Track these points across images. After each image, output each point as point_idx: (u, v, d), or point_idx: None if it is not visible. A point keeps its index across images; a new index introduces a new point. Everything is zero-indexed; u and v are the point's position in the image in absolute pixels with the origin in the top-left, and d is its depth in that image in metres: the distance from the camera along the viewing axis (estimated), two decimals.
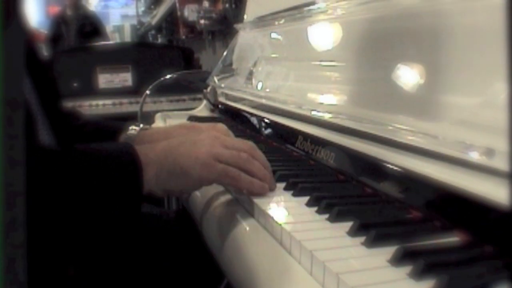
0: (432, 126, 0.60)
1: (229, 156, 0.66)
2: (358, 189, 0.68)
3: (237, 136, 0.78)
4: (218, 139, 0.69)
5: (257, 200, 0.64)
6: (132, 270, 0.90)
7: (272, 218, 0.58)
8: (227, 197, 0.74)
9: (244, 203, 0.68)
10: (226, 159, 0.65)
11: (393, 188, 0.63)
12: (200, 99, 2.36)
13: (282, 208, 0.63)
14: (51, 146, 0.73)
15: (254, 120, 1.21)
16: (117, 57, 2.50)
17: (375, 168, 0.67)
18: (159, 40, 5.53)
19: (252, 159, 0.68)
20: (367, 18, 0.91)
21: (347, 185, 0.71)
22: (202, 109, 1.67)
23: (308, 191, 0.66)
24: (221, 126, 0.86)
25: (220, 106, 1.55)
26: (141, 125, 0.91)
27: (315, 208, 0.61)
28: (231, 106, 1.42)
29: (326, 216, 0.58)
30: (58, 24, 4.36)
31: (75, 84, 2.37)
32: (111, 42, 2.53)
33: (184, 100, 2.33)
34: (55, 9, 4.67)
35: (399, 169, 0.62)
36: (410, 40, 0.76)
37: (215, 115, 1.56)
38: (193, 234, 0.86)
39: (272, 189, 0.68)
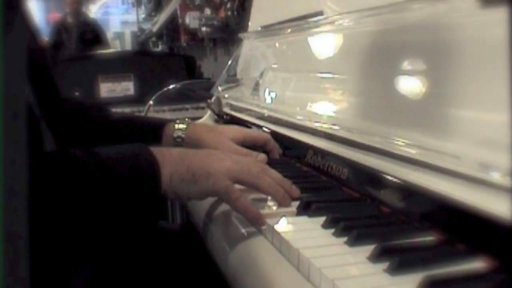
0: (453, 145, 0.58)
1: (238, 171, 0.67)
2: (373, 208, 0.66)
3: None
4: (232, 156, 0.70)
5: (270, 220, 0.63)
6: (137, 283, 0.90)
7: (288, 242, 0.55)
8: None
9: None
10: (235, 175, 0.66)
11: (413, 208, 0.61)
12: (203, 108, 2.34)
13: (297, 230, 0.61)
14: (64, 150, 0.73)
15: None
16: (119, 65, 2.48)
17: (391, 186, 0.65)
18: (160, 47, 5.52)
19: (264, 175, 0.68)
20: (375, 30, 0.89)
21: (362, 204, 0.69)
22: (206, 119, 1.64)
23: (324, 211, 0.64)
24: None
25: (225, 116, 1.53)
26: (186, 119, 0.96)
27: (332, 231, 0.58)
28: (236, 117, 1.40)
29: (344, 239, 0.55)
30: (59, 31, 4.35)
31: (76, 93, 2.34)
32: (112, 50, 2.51)
33: (187, 109, 2.31)
34: (56, 16, 4.66)
35: (420, 189, 0.59)
36: (428, 54, 0.74)
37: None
38: (198, 247, 0.85)
39: (285, 205, 0.68)
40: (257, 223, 0.64)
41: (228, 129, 0.97)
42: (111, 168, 0.63)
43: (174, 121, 0.97)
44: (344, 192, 0.74)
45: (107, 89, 2.41)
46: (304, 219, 0.64)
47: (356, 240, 0.54)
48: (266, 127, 1.15)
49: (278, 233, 0.59)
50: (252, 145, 0.95)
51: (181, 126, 0.95)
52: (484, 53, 0.61)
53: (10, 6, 0.32)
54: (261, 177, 0.67)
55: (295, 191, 0.70)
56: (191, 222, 0.97)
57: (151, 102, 1.94)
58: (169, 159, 0.66)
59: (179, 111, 2.28)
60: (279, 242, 0.58)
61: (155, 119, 1.01)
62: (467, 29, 0.65)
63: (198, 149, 0.72)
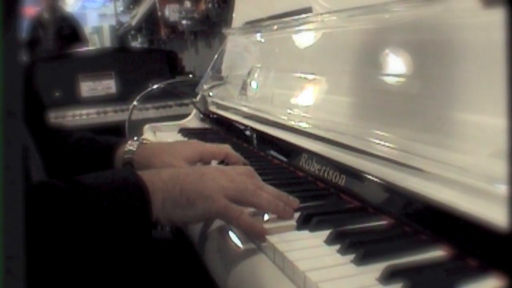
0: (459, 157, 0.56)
1: (234, 189, 0.64)
2: (377, 218, 0.64)
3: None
4: (224, 172, 0.67)
5: (270, 237, 0.60)
6: None
7: (292, 263, 0.53)
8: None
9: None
10: (232, 194, 0.63)
11: (419, 219, 0.58)
12: (187, 105, 2.30)
13: (299, 248, 0.58)
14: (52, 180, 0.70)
15: (248, 132, 1.16)
16: (99, 63, 2.41)
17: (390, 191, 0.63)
18: (139, 40, 5.43)
19: (260, 192, 0.65)
20: (366, 28, 0.86)
21: (364, 214, 0.67)
22: (192, 118, 1.61)
23: (326, 224, 0.61)
24: (225, 145, 0.90)
25: (211, 115, 1.50)
26: (140, 139, 0.92)
27: (337, 247, 0.56)
28: (223, 117, 1.37)
29: (351, 257, 0.53)
30: (35, 27, 4.24)
31: (56, 94, 2.28)
32: (92, 48, 2.43)
33: (170, 106, 2.26)
34: (32, 11, 4.53)
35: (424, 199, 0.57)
36: (419, 54, 0.72)
37: (207, 125, 1.50)
38: (190, 255, 0.83)
39: (288, 217, 0.65)
40: (261, 239, 0.61)
41: (182, 148, 0.89)
42: (98, 201, 0.59)
43: (127, 141, 0.91)
44: (342, 200, 0.72)
45: (88, 88, 2.34)
46: (306, 234, 0.62)
47: (363, 259, 0.52)
48: (254, 127, 1.13)
49: (283, 256, 0.56)
50: (212, 160, 0.90)
51: (131, 148, 0.88)
52: (478, 55, 0.60)
53: (9, 5, 0.32)
54: (258, 195, 0.64)
55: (294, 202, 0.68)
56: (182, 230, 0.95)
57: (135, 103, 1.89)
58: (159, 185, 0.62)
59: (162, 108, 2.23)
60: (282, 261, 0.55)
61: (111, 139, 0.94)
62: (461, 29, 0.64)
63: (190, 168, 0.69)
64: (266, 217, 0.65)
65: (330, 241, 0.57)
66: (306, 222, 0.63)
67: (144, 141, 0.91)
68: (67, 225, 0.56)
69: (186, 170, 0.67)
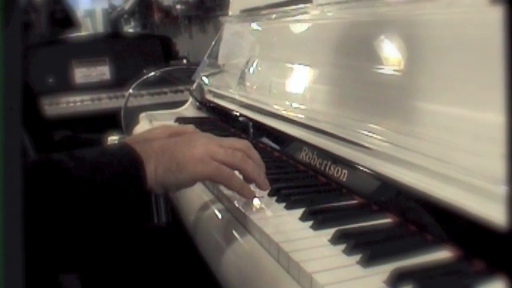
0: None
1: (224, 155, 0.67)
2: (380, 216, 0.63)
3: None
4: (213, 139, 0.70)
5: (253, 217, 0.65)
6: (128, 283, 0.90)
7: (269, 236, 0.58)
8: (219, 206, 0.76)
9: (237, 215, 0.69)
10: (221, 158, 0.66)
11: (422, 218, 0.58)
12: (182, 92, 2.28)
13: (278, 225, 0.62)
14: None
15: (245, 123, 1.15)
16: (93, 49, 2.37)
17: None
18: (132, 24, 5.36)
19: (247, 158, 0.69)
20: (365, 21, 0.85)
21: (366, 211, 0.66)
22: (188, 107, 1.59)
23: (330, 222, 0.61)
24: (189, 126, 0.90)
25: (207, 104, 1.48)
26: (119, 136, 0.98)
27: (342, 247, 0.55)
28: (220, 105, 1.36)
29: (357, 258, 0.52)
30: (27, 11, 4.18)
31: (50, 80, 2.24)
32: (85, 33, 2.39)
33: (166, 93, 2.24)
34: None
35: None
36: (418, 49, 0.71)
37: (203, 114, 1.49)
38: (186, 245, 0.85)
39: (265, 189, 0.70)
40: (253, 195, 0.68)
41: (151, 134, 0.90)
42: (95, 171, 0.62)
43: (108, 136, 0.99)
44: (344, 196, 0.71)
45: (82, 74, 2.31)
46: (283, 211, 0.67)
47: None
48: (252, 117, 1.11)
49: (261, 230, 0.61)
50: None
51: (114, 138, 0.97)
52: (478, 51, 0.60)
53: (8, 6, 0.33)
54: (245, 161, 0.68)
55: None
56: (178, 220, 0.95)
57: (130, 91, 1.87)
58: (150, 153, 0.64)
59: (158, 95, 2.21)
60: (287, 262, 0.55)
61: (92, 137, 1.02)
62: (459, 25, 0.64)
63: (179, 138, 0.71)
64: (256, 201, 0.70)
65: (335, 240, 0.57)
66: (310, 219, 0.62)
67: (123, 136, 0.98)
68: (65, 197, 0.58)
69: (175, 139, 0.69)
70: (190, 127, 0.93)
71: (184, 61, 3.10)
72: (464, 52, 0.62)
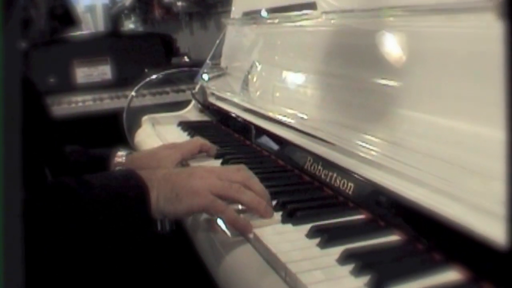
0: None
1: (220, 187, 0.69)
2: (387, 233, 0.63)
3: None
4: (214, 172, 0.73)
5: (259, 233, 0.65)
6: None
7: (276, 255, 0.58)
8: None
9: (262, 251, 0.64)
10: (217, 191, 0.69)
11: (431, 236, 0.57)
12: (184, 91, 2.27)
13: (284, 243, 0.62)
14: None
15: (249, 128, 1.14)
16: (94, 48, 2.36)
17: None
18: (132, 19, 5.34)
19: (245, 189, 0.70)
20: (367, 30, 0.85)
21: (373, 227, 0.66)
22: (191, 109, 1.59)
23: (337, 241, 0.61)
24: (196, 138, 1.05)
25: (210, 107, 1.48)
26: (126, 151, 1.00)
27: (350, 268, 0.55)
28: (223, 109, 1.35)
29: (365, 279, 0.52)
30: (26, 7, 4.16)
31: (51, 80, 2.24)
32: (86, 32, 2.38)
33: (167, 93, 2.23)
34: None
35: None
36: (425, 61, 0.70)
37: (206, 117, 1.48)
38: (189, 254, 0.84)
39: (268, 217, 0.70)
40: (246, 232, 0.67)
41: (164, 154, 0.99)
42: (104, 200, 0.66)
43: (116, 151, 1.00)
44: (350, 209, 0.71)
45: (83, 74, 2.30)
46: (289, 227, 0.67)
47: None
48: (255, 123, 1.11)
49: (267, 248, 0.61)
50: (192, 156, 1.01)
51: (119, 160, 0.98)
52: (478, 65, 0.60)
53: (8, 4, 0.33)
54: (242, 192, 0.70)
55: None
56: (182, 228, 0.94)
57: (133, 93, 1.86)
58: (155, 182, 0.69)
59: (159, 95, 2.20)
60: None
61: (102, 152, 1.03)
62: (457, 39, 0.65)
63: (182, 169, 0.77)
64: (239, 206, 0.71)
65: (342, 260, 0.56)
66: (317, 236, 0.62)
67: (129, 151, 1.00)
68: (73, 220, 0.63)
69: (178, 170, 0.76)
70: (197, 139, 1.04)
71: (185, 58, 3.09)
72: (471, 66, 0.62)
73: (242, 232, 0.68)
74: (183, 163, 0.99)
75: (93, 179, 0.68)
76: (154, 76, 1.92)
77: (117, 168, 0.96)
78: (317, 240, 0.62)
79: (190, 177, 0.71)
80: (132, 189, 0.68)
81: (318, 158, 0.84)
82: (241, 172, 0.74)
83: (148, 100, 2.12)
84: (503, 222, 0.48)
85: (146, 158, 1.00)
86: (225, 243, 0.68)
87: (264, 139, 1.06)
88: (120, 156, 0.98)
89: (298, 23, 1.09)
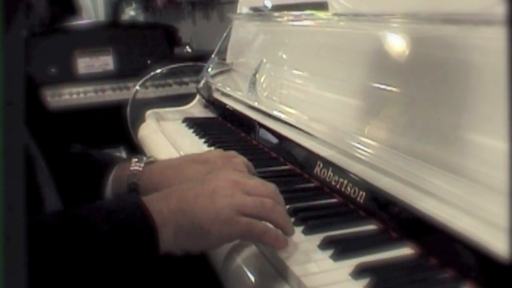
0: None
1: (252, 207, 0.59)
2: (399, 245, 0.62)
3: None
4: (239, 184, 0.61)
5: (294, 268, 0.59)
6: None
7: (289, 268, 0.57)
8: None
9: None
10: (250, 211, 0.59)
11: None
12: (187, 84, 2.26)
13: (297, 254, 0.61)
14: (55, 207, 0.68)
15: (256, 129, 1.13)
16: (96, 38, 2.34)
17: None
18: (133, 6, 5.29)
19: (276, 204, 0.61)
20: (376, 34, 0.84)
21: (386, 239, 0.65)
22: (195, 104, 1.57)
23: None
24: (239, 160, 0.79)
25: (215, 103, 1.47)
26: (144, 158, 0.82)
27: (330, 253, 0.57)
28: (229, 107, 1.34)
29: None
30: None
31: (52, 70, 2.21)
32: (88, 21, 2.35)
33: (170, 85, 2.21)
34: None
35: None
36: (441, 68, 0.70)
37: (211, 113, 1.47)
38: (202, 266, 0.79)
39: (291, 234, 0.63)
40: (284, 247, 0.61)
41: (193, 170, 0.77)
42: (102, 242, 0.56)
43: (128, 161, 0.82)
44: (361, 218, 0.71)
45: (85, 64, 2.27)
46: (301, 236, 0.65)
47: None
48: (261, 122, 1.10)
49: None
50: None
51: (136, 169, 0.80)
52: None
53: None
54: (276, 210, 0.61)
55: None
56: None
57: (137, 87, 1.85)
58: (168, 216, 0.57)
59: (162, 87, 2.18)
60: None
61: (105, 156, 0.88)
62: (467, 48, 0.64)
63: (198, 185, 0.62)
64: None
65: (356, 275, 0.56)
66: (330, 248, 0.62)
67: (150, 159, 0.82)
68: (69, 266, 0.54)
69: (195, 190, 0.60)
70: (234, 156, 0.81)
71: (187, 48, 3.07)
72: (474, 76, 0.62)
73: (284, 247, 0.61)
74: None
75: (90, 216, 0.58)
76: (158, 71, 1.90)
77: (130, 181, 0.79)
78: (330, 252, 0.61)
79: (212, 198, 0.59)
80: (138, 229, 0.57)
81: (328, 163, 0.83)
82: (268, 184, 0.65)
83: (151, 93, 2.10)
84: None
85: (168, 172, 0.79)
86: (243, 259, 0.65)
87: (272, 140, 1.05)
88: (137, 164, 0.80)
89: (306, 22, 1.08)
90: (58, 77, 2.22)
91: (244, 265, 0.64)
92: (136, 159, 0.82)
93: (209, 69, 1.51)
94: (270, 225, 0.61)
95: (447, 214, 0.57)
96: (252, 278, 0.62)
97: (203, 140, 1.16)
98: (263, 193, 0.62)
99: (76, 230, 0.55)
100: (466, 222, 0.55)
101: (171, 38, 2.52)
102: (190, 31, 3.85)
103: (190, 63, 1.94)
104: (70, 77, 2.25)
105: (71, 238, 0.54)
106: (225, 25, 1.63)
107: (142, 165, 0.80)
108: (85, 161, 0.86)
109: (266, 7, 1.33)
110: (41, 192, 0.69)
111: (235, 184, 0.61)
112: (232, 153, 0.82)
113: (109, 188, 0.82)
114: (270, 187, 0.64)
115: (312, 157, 0.88)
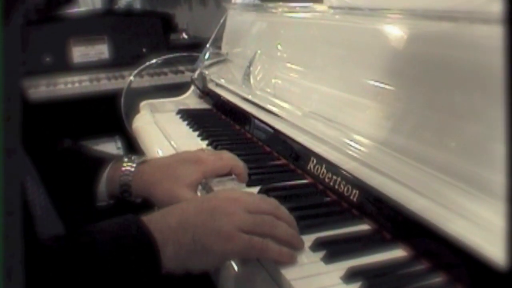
0: None
1: (253, 224, 0.59)
2: (393, 246, 0.61)
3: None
4: (239, 202, 0.62)
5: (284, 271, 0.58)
6: None
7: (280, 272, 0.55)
8: None
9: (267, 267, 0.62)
10: (251, 228, 0.59)
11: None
12: (183, 72, 2.24)
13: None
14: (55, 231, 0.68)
15: (250, 121, 1.12)
16: (91, 27, 2.30)
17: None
18: None
19: (277, 220, 0.61)
20: (373, 28, 0.82)
21: (378, 239, 0.64)
22: (190, 95, 1.56)
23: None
24: (229, 158, 0.79)
25: (210, 93, 1.45)
26: (136, 158, 0.81)
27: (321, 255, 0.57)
28: (224, 98, 1.32)
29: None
30: None
31: (47, 59, 2.19)
32: (83, 9, 2.32)
33: (166, 74, 2.19)
34: None
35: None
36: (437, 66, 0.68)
37: (206, 104, 1.46)
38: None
39: (300, 248, 0.61)
40: (294, 259, 0.59)
41: (183, 172, 0.77)
42: (103, 263, 0.55)
43: (120, 160, 0.82)
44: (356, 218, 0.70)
45: (80, 53, 2.25)
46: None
47: None
48: (256, 115, 1.09)
49: None
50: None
51: (127, 169, 0.80)
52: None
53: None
54: (276, 225, 0.61)
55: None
56: None
57: (132, 78, 1.83)
58: (168, 235, 0.57)
59: (157, 76, 2.16)
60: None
61: (98, 154, 0.87)
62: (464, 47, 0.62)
63: (198, 202, 0.63)
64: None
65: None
66: (321, 249, 0.61)
67: (142, 159, 0.82)
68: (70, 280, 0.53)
69: (194, 208, 0.61)
70: (229, 159, 0.81)
71: (184, 34, 3.04)
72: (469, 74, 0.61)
73: (289, 262, 0.59)
74: (205, 186, 0.82)
75: (92, 240, 0.57)
76: (153, 61, 1.88)
77: (122, 179, 0.79)
78: (321, 254, 0.60)
79: (212, 216, 0.59)
80: (139, 250, 0.56)
81: (321, 159, 0.82)
82: (268, 200, 0.65)
83: (146, 82, 2.08)
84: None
85: (160, 172, 0.78)
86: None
87: (266, 134, 1.04)
88: (128, 164, 0.80)
89: (301, 15, 1.06)
90: (53, 66, 2.20)
91: (235, 268, 0.63)
92: (126, 159, 0.81)
93: (204, 60, 1.49)
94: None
95: (441, 216, 0.56)
96: (244, 281, 0.61)
97: (197, 133, 1.15)
98: (264, 209, 0.62)
99: (79, 254, 0.55)
100: (460, 225, 0.54)
101: (167, 25, 2.49)
102: (187, 17, 3.82)
103: (186, 54, 1.91)
104: (65, 66, 2.22)
105: (74, 262, 0.54)
106: (221, 12, 1.61)
107: (134, 165, 0.80)
108: (76, 157, 0.85)
109: None
110: (27, 194, 0.68)
111: (235, 202, 0.62)
112: (224, 152, 0.83)
113: (103, 186, 0.82)
114: (271, 203, 0.64)
115: (306, 153, 0.86)
